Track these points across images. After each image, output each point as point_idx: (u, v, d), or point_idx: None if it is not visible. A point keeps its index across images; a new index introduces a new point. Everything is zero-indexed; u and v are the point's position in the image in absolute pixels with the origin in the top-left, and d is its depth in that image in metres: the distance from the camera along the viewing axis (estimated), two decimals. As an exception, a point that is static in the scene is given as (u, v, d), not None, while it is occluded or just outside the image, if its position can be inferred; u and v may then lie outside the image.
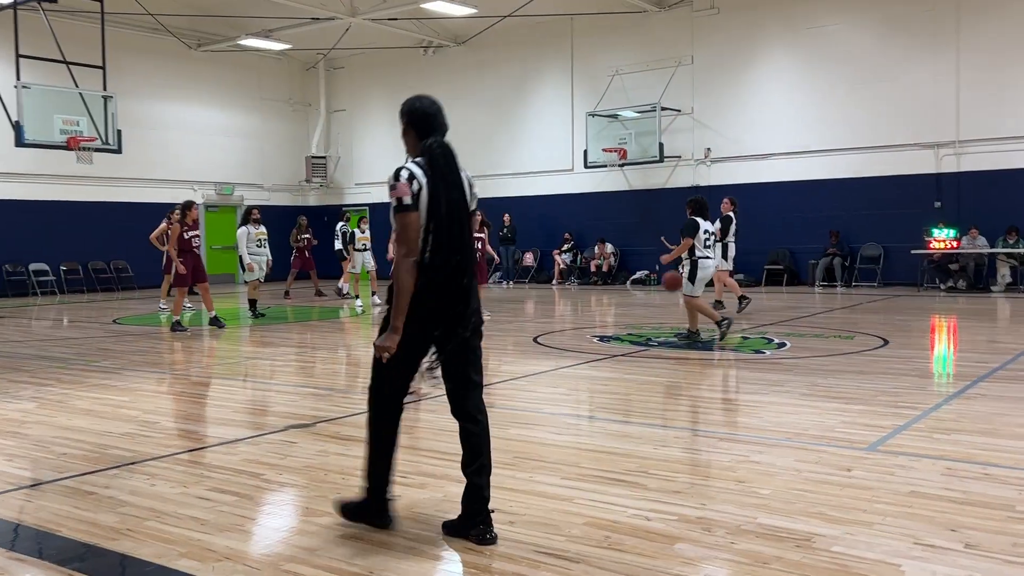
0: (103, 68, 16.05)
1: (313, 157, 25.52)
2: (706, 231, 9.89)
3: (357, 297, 15.95)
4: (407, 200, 3.57)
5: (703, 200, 10.13)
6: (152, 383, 7.95)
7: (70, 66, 15.89)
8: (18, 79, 14.89)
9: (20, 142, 14.86)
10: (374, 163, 25.18)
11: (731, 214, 13.46)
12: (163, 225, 15.06)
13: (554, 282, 21.44)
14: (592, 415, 6.37)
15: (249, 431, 5.78)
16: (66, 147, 15.39)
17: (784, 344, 9.55)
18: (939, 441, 5.14)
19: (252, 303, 13.61)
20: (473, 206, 3.73)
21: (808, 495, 4.13)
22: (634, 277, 20.57)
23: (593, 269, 20.98)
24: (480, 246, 13.27)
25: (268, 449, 5.23)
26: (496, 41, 22.12)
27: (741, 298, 12.98)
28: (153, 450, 5.25)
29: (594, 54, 21.20)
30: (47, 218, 19.61)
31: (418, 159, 3.64)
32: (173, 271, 12.03)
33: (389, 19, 20.53)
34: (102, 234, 20.29)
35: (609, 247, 20.91)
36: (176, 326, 11.82)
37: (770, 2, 19.00)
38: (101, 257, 20.86)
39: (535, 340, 10.30)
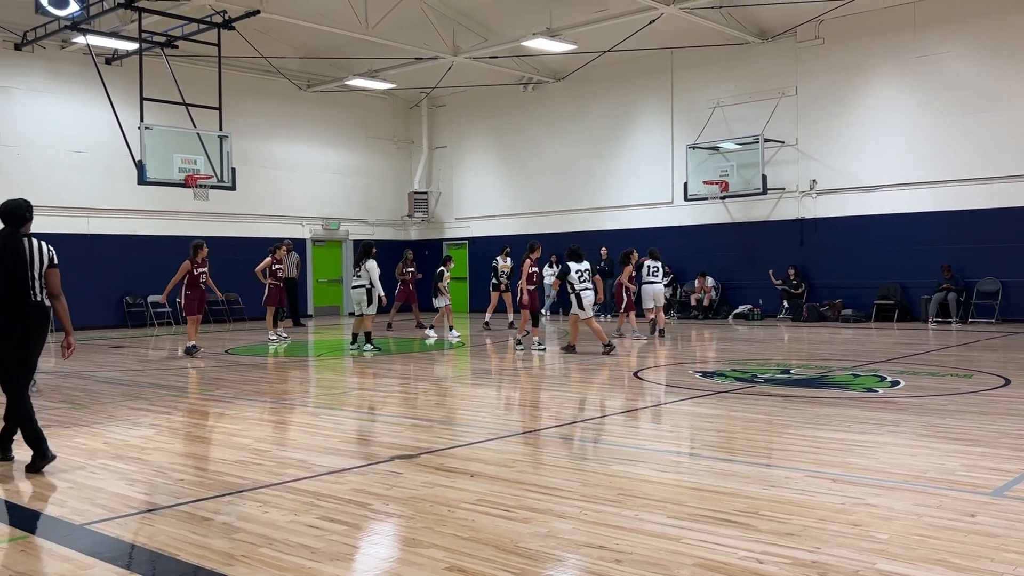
0: (219, 109, 16.82)
1: (415, 192, 26.07)
2: (578, 271, 12.48)
3: (452, 328, 16.22)
4: None
5: (576, 248, 12.85)
6: (263, 412, 8.19)
7: (189, 108, 16.72)
8: (141, 121, 15.73)
9: (142, 180, 15.65)
10: (475, 198, 25.55)
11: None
12: (267, 260, 15.84)
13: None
14: (696, 452, 6.24)
15: (356, 461, 5.88)
16: (184, 185, 16.13)
17: (898, 382, 9.18)
18: (1073, 488, 4.83)
19: (368, 335, 14.03)
20: (43, 266, 5.80)
21: (930, 541, 3.94)
22: (737, 311, 20.18)
23: (693, 303, 20.67)
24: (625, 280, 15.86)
25: (375, 479, 5.31)
26: (595, 76, 22.24)
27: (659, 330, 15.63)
28: (264, 478, 5.40)
29: (694, 86, 21.07)
30: (165, 252, 20.46)
31: None
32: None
33: (490, 57, 20.91)
34: (216, 267, 20.91)
35: (710, 281, 20.58)
36: (191, 350, 13.46)
37: (877, 31, 18.54)
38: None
39: (635, 375, 10.19)
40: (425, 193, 26.23)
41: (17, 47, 18.85)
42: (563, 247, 22.99)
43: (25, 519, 4.62)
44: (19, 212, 5.94)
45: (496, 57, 20.96)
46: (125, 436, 6.89)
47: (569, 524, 4.29)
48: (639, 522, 4.30)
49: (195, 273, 13.54)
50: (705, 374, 10.28)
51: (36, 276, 5.78)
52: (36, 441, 5.73)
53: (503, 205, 24.82)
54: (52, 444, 6.57)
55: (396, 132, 26.52)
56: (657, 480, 5.21)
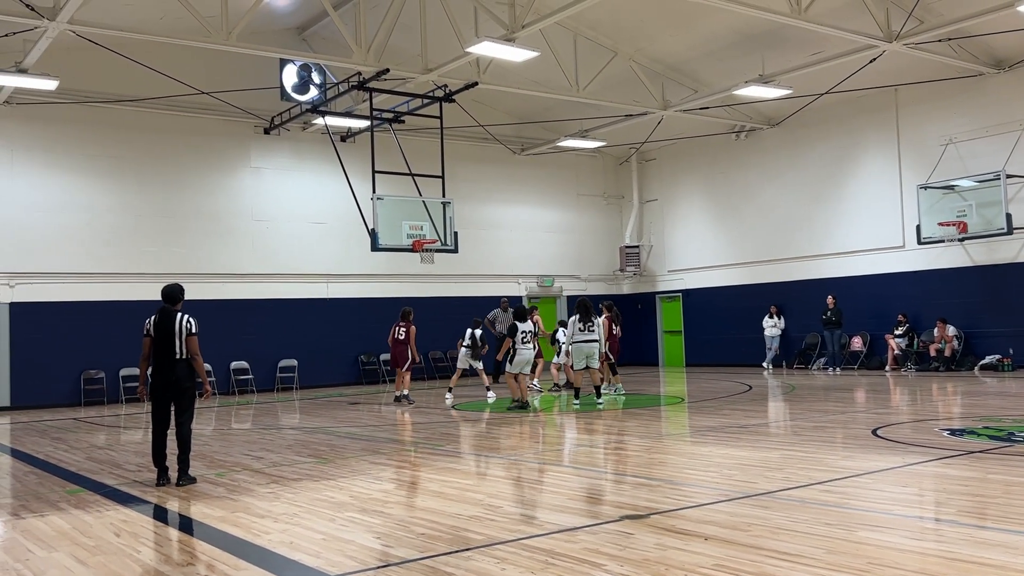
0: (442, 177, 17.78)
1: (627, 247, 26.16)
2: (523, 331, 13.83)
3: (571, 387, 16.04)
4: (144, 331, 7.99)
5: (521, 308, 14.56)
6: (491, 467, 8.42)
7: (415, 177, 17.79)
8: (374, 192, 16.89)
9: (375, 247, 16.75)
10: (687, 249, 25.25)
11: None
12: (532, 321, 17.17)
13: (887, 368, 19.87)
14: (951, 519, 5.74)
15: (585, 519, 5.90)
16: (412, 249, 17.10)
17: None
18: None
19: (597, 389, 14.28)
20: (184, 334, 7.91)
21: None
22: (984, 362, 18.51)
23: (933, 354, 19.17)
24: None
25: (606, 539, 5.29)
26: (812, 119, 21.50)
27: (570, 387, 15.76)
28: (499, 534, 5.53)
29: (922, 123, 19.83)
30: (394, 314, 21.74)
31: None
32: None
33: (700, 108, 20.78)
34: (439, 326, 22.06)
35: (951, 329, 19.03)
36: (407, 399, 15.69)
37: None
38: (439, 347, 22.70)
39: (874, 433, 9.57)
40: (636, 247, 26.25)
41: (266, 131, 20.93)
42: (784, 297, 22.34)
43: (287, 568, 4.99)
44: (174, 294, 8.10)
45: (707, 108, 20.79)
46: (368, 490, 7.30)
47: (816, 594, 4.07)
48: (894, 595, 4.01)
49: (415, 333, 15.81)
50: (953, 432, 9.48)
51: (182, 341, 7.88)
52: (180, 463, 7.90)
53: (717, 256, 24.34)
54: (305, 496, 7.10)
55: (606, 188, 26.83)
56: (909, 549, 4.85)
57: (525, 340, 13.82)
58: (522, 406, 13.66)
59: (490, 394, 15.65)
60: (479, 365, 16.34)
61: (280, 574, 4.85)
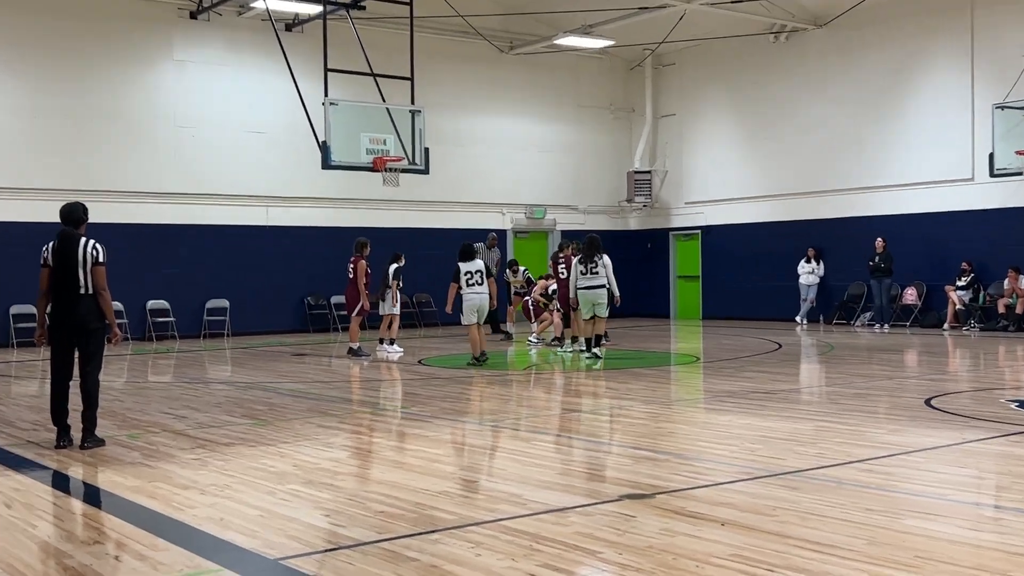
0: (411, 79, 17.52)
1: (636, 172, 26.08)
2: (467, 272, 14.10)
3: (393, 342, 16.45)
4: (42, 261, 7.86)
5: (468, 245, 14.63)
6: (466, 435, 8.50)
7: (377, 79, 17.53)
8: (326, 95, 16.63)
9: (327, 164, 16.50)
10: (709, 177, 25.23)
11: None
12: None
13: (946, 326, 20.09)
14: (1016, 506, 5.86)
15: (579, 498, 5.98)
16: (372, 168, 16.90)
17: None
18: None
19: (598, 339, 14.47)
20: (90, 263, 7.72)
21: None
22: (1061, 322, 18.74)
23: (1002, 310, 19.37)
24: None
25: (603, 522, 5.37)
26: (868, 20, 21.34)
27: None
28: (474, 513, 5.60)
29: (1002, 31, 19.74)
30: (351, 246, 21.68)
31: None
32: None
33: (731, 1, 20.57)
34: (408, 264, 22.04)
35: (1025, 281, 19.23)
36: (359, 352, 15.59)
37: None
38: (404, 290, 22.65)
39: (927, 403, 9.71)
40: (648, 173, 26.19)
41: (192, 15, 20.53)
42: (824, 238, 22.45)
43: (216, 549, 5.03)
44: (76, 214, 8.00)
45: (739, 1, 20.58)
46: (315, 458, 7.36)
47: (852, 592, 4.16)
48: (946, 594, 4.11)
49: (369, 272, 15.80)
50: (1022, 404, 9.64)
51: (87, 272, 7.73)
52: (85, 421, 7.82)
53: (745, 186, 24.32)
54: (238, 464, 7.16)
55: (614, 99, 26.66)
56: (965, 540, 4.95)
57: (471, 282, 14.11)
58: (478, 361, 13.99)
59: (389, 347, 16.20)
60: (395, 311, 16.56)
61: (208, 556, 4.89)
